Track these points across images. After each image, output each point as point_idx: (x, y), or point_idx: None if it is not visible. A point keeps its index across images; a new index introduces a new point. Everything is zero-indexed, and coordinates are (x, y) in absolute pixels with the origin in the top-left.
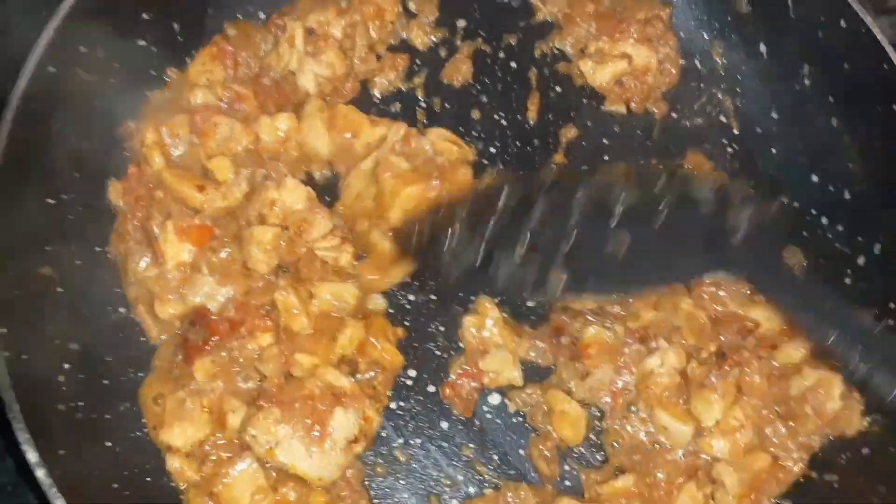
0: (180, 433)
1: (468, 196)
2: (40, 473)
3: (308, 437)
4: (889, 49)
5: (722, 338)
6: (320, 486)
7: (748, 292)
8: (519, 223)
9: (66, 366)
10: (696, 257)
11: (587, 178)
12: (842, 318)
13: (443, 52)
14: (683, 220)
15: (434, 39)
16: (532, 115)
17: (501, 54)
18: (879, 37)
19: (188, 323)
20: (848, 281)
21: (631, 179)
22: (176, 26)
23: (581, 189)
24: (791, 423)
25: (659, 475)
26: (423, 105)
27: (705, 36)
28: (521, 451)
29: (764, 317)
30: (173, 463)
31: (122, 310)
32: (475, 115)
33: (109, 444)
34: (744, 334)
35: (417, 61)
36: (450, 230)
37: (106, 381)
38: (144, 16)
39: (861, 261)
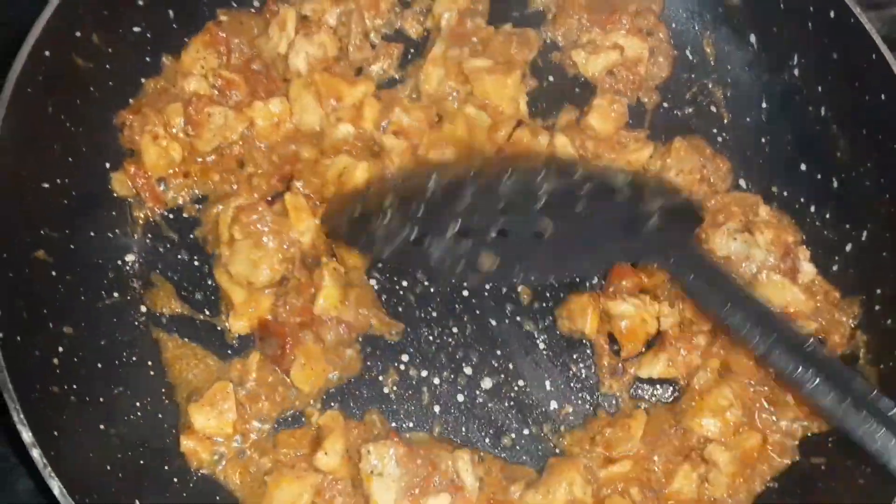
0: (204, 418)
1: (398, 177)
2: (35, 454)
3: (408, 493)
4: (878, 40)
5: None
6: None
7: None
8: (449, 206)
9: (60, 349)
10: (614, 244)
11: (512, 166)
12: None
13: None
14: (602, 208)
15: (428, 29)
16: None
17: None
18: (868, 27)
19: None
20: (836, 268)
21: (552, 167)
22: (171, 13)
23: (507, 175)
24: (771, 409)
25: (655, 458)
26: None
27: (696, 27)
28: None
29: (762, 299)
30: (188, 443)
31: (115, 294)
32: None
33: (103, 427)
34: None
35: (412, 50)
36: (381, 210)
37: (100, 366)
38: (139, 2)
39: (849, 248)
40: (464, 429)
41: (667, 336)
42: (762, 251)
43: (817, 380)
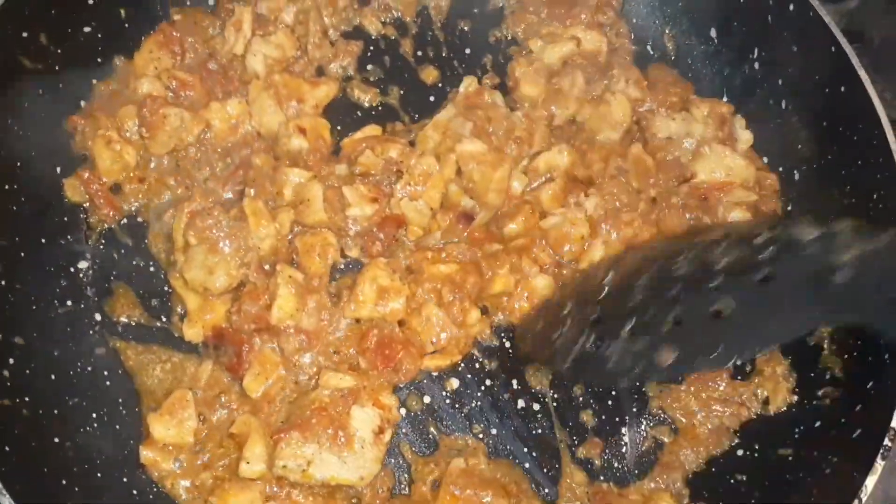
0: (164, 428)
1: (575, 280)
2: None
3: (336, 445)
4: (837, 32)
5: (660, 180)
6: (364, 485)
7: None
8: (622, 303)
9: (11, 360)
10: (802, 309)
11: (686, 245)
12: None
13: (396, 39)
14: (786, 270)
15: (387, 26)
16: None
17: (456, 41)
18: (827, 20)
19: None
20: None
21: (732, 236)
22: (122, 12)
23: (681, 255)
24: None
25: None
26: (379, 90)
27: (657, 22)
28: None
29: (705, 170)
30: (147, 454)
31: (69, 303)
32: (431, 99)
33: (58, 440)
34: (680, 181)
35: (371, 48)
36: (559, 320)
37: (53, 377)
38: (90, 1)
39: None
40: (433, 429)
41: (594, 222)
42: (700, 125)
43: None
